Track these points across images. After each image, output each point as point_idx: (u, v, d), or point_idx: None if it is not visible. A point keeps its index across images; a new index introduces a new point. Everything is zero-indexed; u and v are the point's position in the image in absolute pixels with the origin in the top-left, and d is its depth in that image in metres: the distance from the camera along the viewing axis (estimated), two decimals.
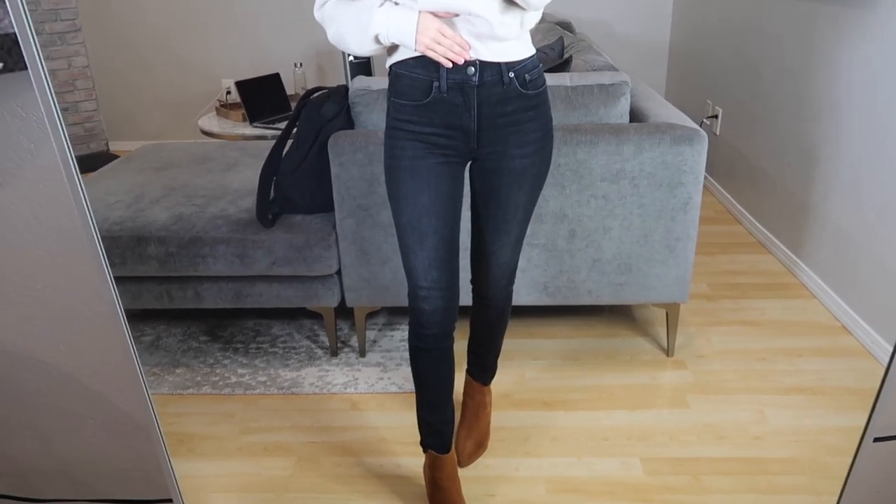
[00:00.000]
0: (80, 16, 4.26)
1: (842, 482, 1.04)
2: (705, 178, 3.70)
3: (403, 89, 1.36)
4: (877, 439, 0.83)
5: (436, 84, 1.33)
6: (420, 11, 1.26)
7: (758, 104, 3.03)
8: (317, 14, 1.39)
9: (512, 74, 1.35)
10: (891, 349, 1.90)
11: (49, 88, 0.69)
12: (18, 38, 0.66)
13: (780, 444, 1.81)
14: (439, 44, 1.25)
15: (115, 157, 4.42)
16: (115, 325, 0.88)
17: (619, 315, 2.44)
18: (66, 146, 0.69)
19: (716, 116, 3.50)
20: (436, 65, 1.32)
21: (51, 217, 0.85)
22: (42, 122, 0.71)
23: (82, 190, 0.74)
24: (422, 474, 1.74)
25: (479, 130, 1.38)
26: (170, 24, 4.36)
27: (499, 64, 1.33)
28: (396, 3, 1.29)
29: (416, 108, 1.36)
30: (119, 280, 2.15)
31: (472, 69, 1.32)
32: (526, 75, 1.37)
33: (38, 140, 0.79)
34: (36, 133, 0.79)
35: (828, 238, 2.46)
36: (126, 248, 2.07)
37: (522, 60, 1.36)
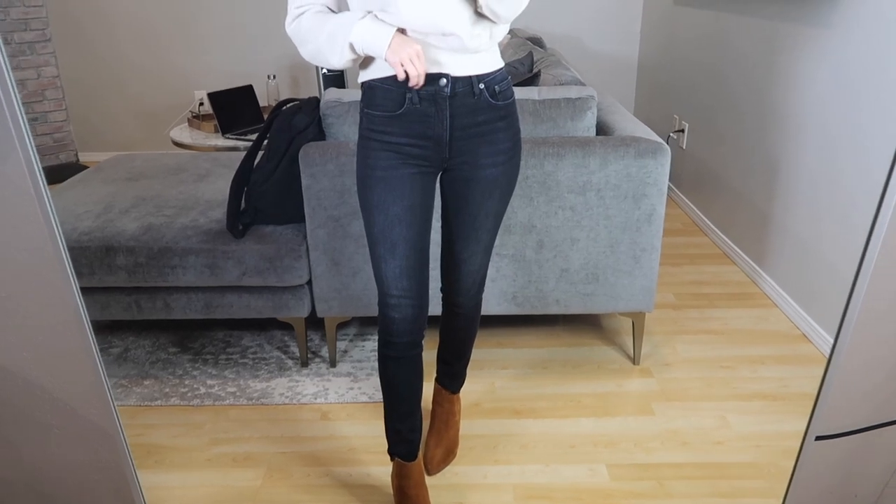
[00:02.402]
0: (50, 25, 4.23)
1: None
2: (673, 191, 3.78)
3: (377, 100, 1.39)
4: (819, 437, 0.87)
5: (409, 95, 1.36)
6: (397, 29, 1.29)
7: (723, 119, 3.11)
8: (289, 28, 1.41)
9: (482, 86, 1.39)
10: None
11: (15, 94, 0.70)
12: None
13: (741, 449, 1.86)
14: (412, 63, 1.27)
15: (85, 167, 4.37)
16: (80, 333, 0.89)
17: (586, 324, 2.48)
18: (31, 154, 0.70)
19: (682, 131, 3.59)
20: (408, 77, 1.35)
21: (15, 225, 0.85)
22: (7, 130, 0.72)
23: (48, 198, 0.75)
24: (390, 483, 1.75)
25: (452, 140, 1.41)
26: (142, 35, 4.35)
27: (469, 76, 1.37)
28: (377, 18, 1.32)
29: (390, 119, 1.39)
30: (87, 291, 2.14)
31: (444, 80, 1.35)
32: (495, 87, 1.41)
33: (3, 151, 0.79)
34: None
35: (788, 249, 2.53)
36: (94, 258, 2.06)
37: (492, 73, 1.40)
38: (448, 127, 1.39)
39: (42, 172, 0.72)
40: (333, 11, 1.39)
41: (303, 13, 1.39)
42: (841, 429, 0.88)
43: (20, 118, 0.69)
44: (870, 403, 0.89)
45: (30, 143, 0.71)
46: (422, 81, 1.30)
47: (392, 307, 1.47)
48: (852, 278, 2.14)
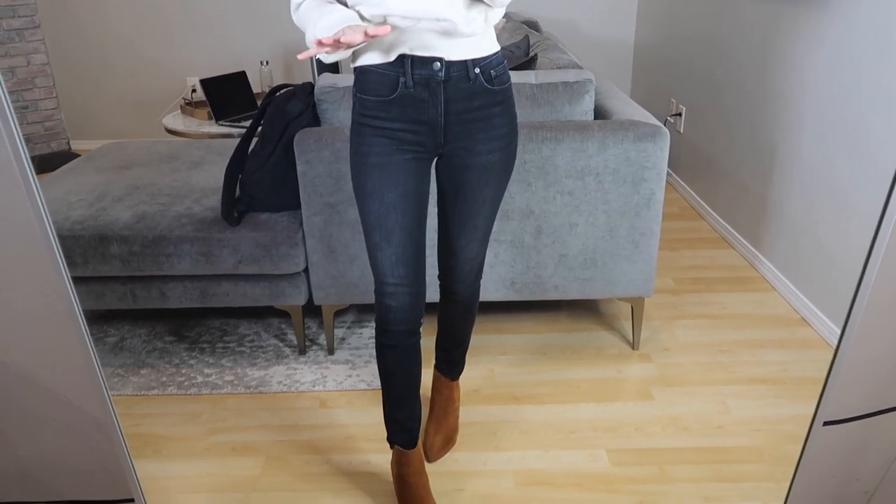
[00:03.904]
0: (38, 12, 4.17)
1: None
2: (670, 175, 3.76)
3: (369, 85, 1.37)
4: (826, 423, 0.86)
5: (402, 80, 1.34)
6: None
7: (720, 103, 3.09)
8: (294, 17, 1.39)
9: (478, 70, 1.36)
10: None
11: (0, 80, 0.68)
12: None
13: (742, 433, 1.85)
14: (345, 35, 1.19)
15: (76, 156, 4.33)
16: (73, 323, 0.87)
17: (585, 310, 2.47)
18: (17, 139, 0.68)
19: (679, 114, 3.56)
20: (401, 61, 1.32)
21: (3, 216, 0.83)
22: None
23: (35, 185, 0.73)
24: (390, 471, 1.75)
25: (447, 126, 1.38)
26: (134, 21, 4.29)
27: (465, 60, 1.34)
28: (360, 14, 1.29)
29: (383, 104, 1.36)
30: (82, 280, 2.12)
31: (438, 65, 1.32)
32: (491, 71, 1.39)
33: None
34: None
35: (786, 232, 2.52)
36: (88, 247, 2.03)
37: (487, 56, 1.38)
38: (443, 112, 1.36)
39: (30, 160, 0.70)
40: None
41: (302, 1, 1.36)
42: (848, 414, 0.87)
43: (5, 105, 0.67)
44: (877, 388, 0.88)
45: (16, 130, 0.69)
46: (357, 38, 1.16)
47: (389, 295, 1.45)
48: (852, 262, 2.13)
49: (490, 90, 1.39)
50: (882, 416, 0.94)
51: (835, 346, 2.25)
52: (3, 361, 1.00)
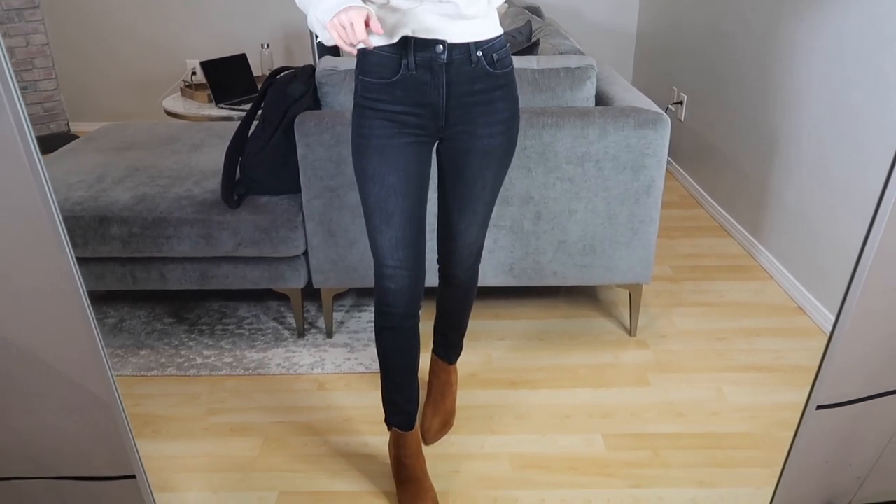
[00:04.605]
0: None
1: None
2: (670, 163, 3.76)
3: (372, 67, 1.36)
4: (820, 406, 0.87)
5: (404, 62, 1.34)
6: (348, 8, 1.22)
7: (721, 91, 3.09)
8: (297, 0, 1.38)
9: (480, 53, 1.36)
10: None
11: (4, 57, 0.68)
12: None
13: (736, 419, 1.87)
14: (343, 28, 1.19)
15: (76, 137, 4.32)
16: (76, 301, 0.88)
17: (583, 296, 2.48)
18: (23, 119, 0.68)
19: (681, 102, 3.56)
20: (404, 43, 1.32)
21: (8, 193, 0.84)
22: None
23: (41, 164, 0.73)
24: (387, 452, 1.76)
25: (448, 109, 1.38)
26: (134, 2, 4.26)
27: (467, 43, 1.34)
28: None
29: (385, 86, 1.36)
30: (82, 261, 2.12)
31: (441, 47, 1.32)
32: (494, 54, 1.39)
33: None
34: None
35: (785, 222, 2.53)
36: (88, 228, 2.04)
37: (490, 40, 1.38)
38: (444, 95, 1.37)
39: (34, 137, 0.71)
40: None
41: None
42: (842, 398, 0.88)
43: (10, 81, 0.67)
44: (870, 373, 0.89)
45: (21, 107, 0.69)
46: (353, 50, 1.21)
47: (388, 278, 1.46)
48: (849, 252, 2.14)
49: (492, 74, 1.39)
50: (875, 400, 0.95)
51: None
52: (5, 339, 1.00)
